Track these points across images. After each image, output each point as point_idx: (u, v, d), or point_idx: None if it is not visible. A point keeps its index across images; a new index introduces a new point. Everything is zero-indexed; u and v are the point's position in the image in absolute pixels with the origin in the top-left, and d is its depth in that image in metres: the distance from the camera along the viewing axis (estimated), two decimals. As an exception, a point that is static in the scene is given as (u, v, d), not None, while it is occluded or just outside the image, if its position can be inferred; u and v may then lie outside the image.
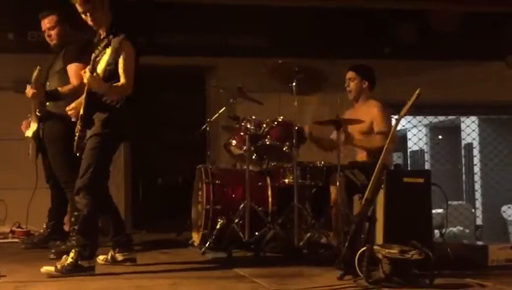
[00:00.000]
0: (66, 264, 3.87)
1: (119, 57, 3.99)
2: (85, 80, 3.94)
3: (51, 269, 3.85)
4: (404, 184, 4.17)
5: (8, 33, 7.70)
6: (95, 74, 3.91)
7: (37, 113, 5.11)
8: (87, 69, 3.92)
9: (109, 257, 4.29)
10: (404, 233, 3.89)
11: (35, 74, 4.91)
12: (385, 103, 5.28)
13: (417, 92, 3.87)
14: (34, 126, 5.19)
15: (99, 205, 4.08)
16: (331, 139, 5.32)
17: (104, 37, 4.10)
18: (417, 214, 4.12)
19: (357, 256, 3.57)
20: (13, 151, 6.73)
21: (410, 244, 3.61)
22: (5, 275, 3.73)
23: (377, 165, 3.90)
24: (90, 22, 4.10)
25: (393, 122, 4.47)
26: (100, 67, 4.05)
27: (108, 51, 4.01)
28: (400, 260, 3.47)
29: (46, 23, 5.17)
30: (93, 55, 3.99)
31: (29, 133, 5.25)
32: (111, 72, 4.02)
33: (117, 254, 4.28)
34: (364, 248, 3.56)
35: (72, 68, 4.93)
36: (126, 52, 3.99)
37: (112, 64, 4.02)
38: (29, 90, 4.88)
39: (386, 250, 3.51)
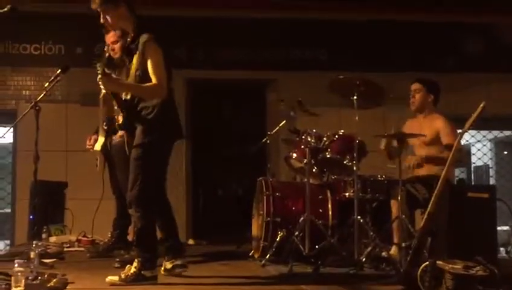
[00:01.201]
0: (129, 273, 3.95)
1: (146, 60, 3.94)
2: (100, 86, 3.88)
3: (115, 278, 3.93)
4: (468, 199, 4.10)
5: (76, 47, 7.95)
6: (100, 75, 3.79)
7: (104, 127, 5.24)
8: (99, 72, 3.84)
9: (162, 267, 4.27)
10: (468, 249, 3.82)
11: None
12: (448, 117, 5.23)
13: (481, 105, 3.81)
14: (101, 140, 5.31)
15: (154, 215, 4.08)
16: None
17: (130, 43, 4.09)
18: (481, 230, 4.05)
19: (419, 271, 3.52)
20: (80, 163, 6.95)
21: (474, 260, 3.53)
22: (74, 281, 3.84)
23: (440, 179, 3.84)
24: (108, 25, 4.09)
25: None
26: (131, 74, 4.06)
27: (136, 56, 4.01)
28: (463, 275, 3.40)
29: (110, 37, 5.29)
30: (127, 62, 4.03)
31: (97, 146, 5.38)
32: (141, 77, 3.98)
33: (166, 262, 4.25)
34: (427, 262, 3.50)
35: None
36: (152, 53, 3.92)
37: (140, 69, 3.98)
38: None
39: (450, 265, 3.45)
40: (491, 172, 11.35)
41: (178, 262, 4.21)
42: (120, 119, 4.22)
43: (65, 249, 5.59)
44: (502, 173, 10.35)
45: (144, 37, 3.94)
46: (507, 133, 10.19)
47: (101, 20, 4.09)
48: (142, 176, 3.96)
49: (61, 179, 6.89)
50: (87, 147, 5.56)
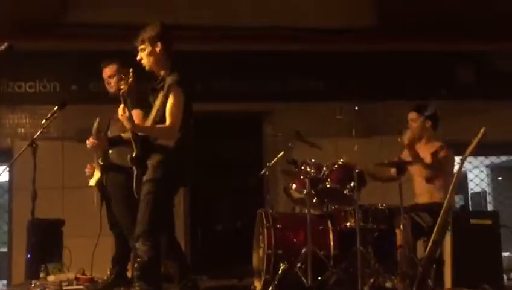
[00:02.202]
0: None
1: (167, 100, 4.01)
2: (121, 119, 3.97)
3: None
4: (471, 226, 4.07)
5: (71, 85, 7.96)
6: (125, 112, 3.90)
7: (100, 162, 5.21)
8: (120, 108, 3.94)
9: None
10: (473, 276, 3.79)
11: (95, 125, 5.03)
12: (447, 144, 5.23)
13: (482, 131, 3.81)
14: (97, 175, 5.29)
15: (160, 250, 4.06)
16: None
17: (160, 81, 4.15)
18: (486, 257, 4.02)
19: (426, 300, 3.47)
20: (77, 200, 6.89)
21: (482, 288, 3.49)
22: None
23: (444, 206, 3.82)
24: (143, 62, 4.16)
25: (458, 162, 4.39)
26: (153, 111, 4.11)
27: (161, 95, 4.06)
28: (471, 304, 3.36)
29: (107, 71, 5.30)
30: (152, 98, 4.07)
31: (92, 182, 5.35)
32: (160, 116, 4.04)
33: None
34: (434, 291, 3.46)
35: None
36: (173, 95, 3.97)
37: (161, 109, 4.04)
38: (90, 142, 4.95)
39: (457, 293, 3.41)
40: (489, 198, 11.34)
41: None
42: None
43: (64, 288, 5.49)
44: (500, 198, 10.33)
45: (170, 79, 4.02)
46: (503, 158, 10.20)
47: (137, 58, 4.17)
48: (152, 209, 3.98)
49: (58, 216, 6.79)
50: (87, 174, 5.50)
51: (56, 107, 5.07)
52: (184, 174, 4.17)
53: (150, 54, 4.13)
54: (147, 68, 4.19)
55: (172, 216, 4.39)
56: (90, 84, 7.92)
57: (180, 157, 4.07)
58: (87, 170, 5.40)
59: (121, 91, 3.98)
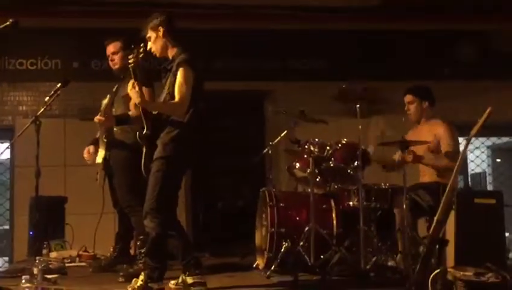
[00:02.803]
0: (136, 287, 3.92)
1: (176, 79, 4.07)
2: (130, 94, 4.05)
3: None
4: (475, 205, 4.08)
5: (72, 62, 7.93)
6: (135, 87, 3.97)
7: (104, 140, 5.21)
8: (130, 83, 4.02)
9: (180, 281, 4.27)
10: (477, 255, 3.80)
11: (105, 102, 5.04)
12: (449, 122, 5.22)
13: (488, 110, 3.80)
14: (102, 152, 5.30)
15: (167, 228, 4.11)
16: (393, 159, 5.26)
17: (170, 62, 4.22)
18: (489, 236, 4.03)
19: (430, 279, 3.49)
20: (79, 178, 6.90)
21: (485, 267, 3.51)
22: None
23: (448, 186, 3.82)
24: (153, 50, 4.26)
25: (461, 142, 4.39)
26: (163, 92, 4.17)
27: (170, 75, 4.14)
28: (475, 282, 3.38)
29: (110, 48, 5.29)
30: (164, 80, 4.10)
31: (99, 159, 5.35)
32: (171, 95, 4.11)
33: (187, 277, 4.25)
34: (438, 270, 3.47)
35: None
36: (182, 73, 4.04)
37: (171, 88, 4.11)
38: (99, 118, 4.98)
39: (461, 272, 3.42)
40: (489, 179, 11.36)
41: (198, 280, 4.21)
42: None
43: (66, 265, 5.53)
44: (500, 179, 10.34)
45: (179, 58, 4.11)
46: (505, 139, 10.20)
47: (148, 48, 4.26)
48: (160, 187, 4.03)
49: (60, 194, 6.83)
50: (86, 159, 5.49)
51: (59, 84, 5.05)
52: (194, 154, 4.20)
53: (155, 40, 4.24)
54: (158, 55, 4.28)
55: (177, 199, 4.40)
56: (92, 62, 7.90)
57: (191, 135, 4.10)
58: (85, 155, 5.39)
59: (131, 65, 4.01)
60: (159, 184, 4.04)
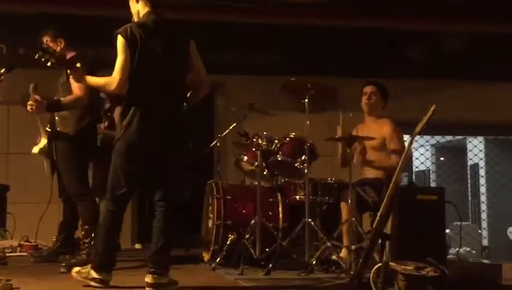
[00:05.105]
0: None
1: None
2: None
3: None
4: (417, 201, 4.16)
5: (18, 48, 7.73)
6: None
7: (47, 129, 5.11)
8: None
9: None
10: (418, 250, 3.88)
11: (30, 88, 4.93)
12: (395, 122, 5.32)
13: (432, 108, 3.86)
14: (43, 142, 5.20)
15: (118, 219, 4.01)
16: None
17: None
18: (431, 232, 4.12)
19: (372, 273, 3.54)
20: (22, 166, 6.75)
21: (425, 261, 3.58)
22: (19, 287, 3.70)
23: (392, 182, 3.88)
24: None
25: (407, 140, 4.48)
26: None
27: None
28: (415, 276, 3.45)
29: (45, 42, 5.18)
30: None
31: (35, 149, 5.25)
32: None
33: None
34: (380, 264, 3.53)
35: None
36: (116, 47, 3.82)
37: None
38: (29, 104, 4.83)
39: (402, 266, 3.49)
40: (433, 176, 11.64)
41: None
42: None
43: (7, 255, 5.40)
44: (444, 177, 10.61)
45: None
46: (448, 138, 10.46)
47: None
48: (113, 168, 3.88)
49: (2, 182, 6.66)
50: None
51: (3, 70, 4.92)
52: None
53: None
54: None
55: None
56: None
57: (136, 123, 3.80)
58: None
59: (48, 64, 3.92)
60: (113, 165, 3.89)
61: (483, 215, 11.38)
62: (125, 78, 3.77)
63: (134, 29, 3.84)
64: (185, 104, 4.02)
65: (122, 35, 3.78)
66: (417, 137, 9.00)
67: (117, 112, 5.61)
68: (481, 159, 10.67)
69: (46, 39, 5.11)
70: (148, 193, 4.28)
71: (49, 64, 3.92)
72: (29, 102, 4.80)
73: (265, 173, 5.17)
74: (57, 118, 5.04)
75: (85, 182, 5.02)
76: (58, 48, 4.98)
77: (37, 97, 4.83)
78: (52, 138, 5.07)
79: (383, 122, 5.27)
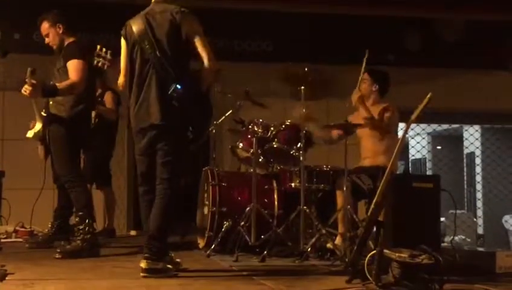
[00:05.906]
0: None
1: None
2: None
3: None
4: (413, 189, 4.16)
5: (14, 33, 7.70)
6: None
7: (43, 114, 5.08)
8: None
9: None
10: (413, 238, 3.87)
11: (27, 73, 4.89)
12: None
13: (428, 96, 3.85)
14: (38, 126, 5.17)
15: None
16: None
17: None
18: (426, 219, 4.12)
19: (366, 260, 3.54)
20: (17, 152, 6.74)
21: (420, 249, 3.58)
22: (13, 272, 3.70)
23: (387, 169, 3.88)
24: None
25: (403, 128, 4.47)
26: None
27: None
28: (410, 264, 3.44)
29: (42, 30, 5.14)
30: None
31: (30, 134, 5.23)
32: None
33: None
34: (374, 251, 3.53)
35: (71, 64, 4.83)
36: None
37: None
38: (24, 88, 4.80)
39: (397, 254, 3.48)
40: (429, 164, 11.65)
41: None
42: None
43: (2, 240, 5.40)
44: (440, 165, 10.62)
45: None
46: (445, 126, 10.46)
47: None
48: None
49: (-3, 168, 6.65)
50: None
51: (-2, 55, 4.89)
52: None
53: None
54: None
55: None
56: (34, 34, 7.66)
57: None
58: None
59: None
60: None
61: (479, 204, 11.41)
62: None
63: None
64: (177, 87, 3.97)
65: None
66: (413, 125, 9.05)
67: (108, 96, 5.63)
68: (477, 147, 10.68)
69: (45, 24, 5.07)
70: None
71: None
72: (25, 86, 4.77)
73: (260, 160, 5.16)
74: (51, 102, 5.01)
75: (77, 167, 5.01)
76: (57, 33, 4.95)
77: (34, 81, 4.80)
78: (47, 123, 5.04)
79: (379, 107, 5.26)
